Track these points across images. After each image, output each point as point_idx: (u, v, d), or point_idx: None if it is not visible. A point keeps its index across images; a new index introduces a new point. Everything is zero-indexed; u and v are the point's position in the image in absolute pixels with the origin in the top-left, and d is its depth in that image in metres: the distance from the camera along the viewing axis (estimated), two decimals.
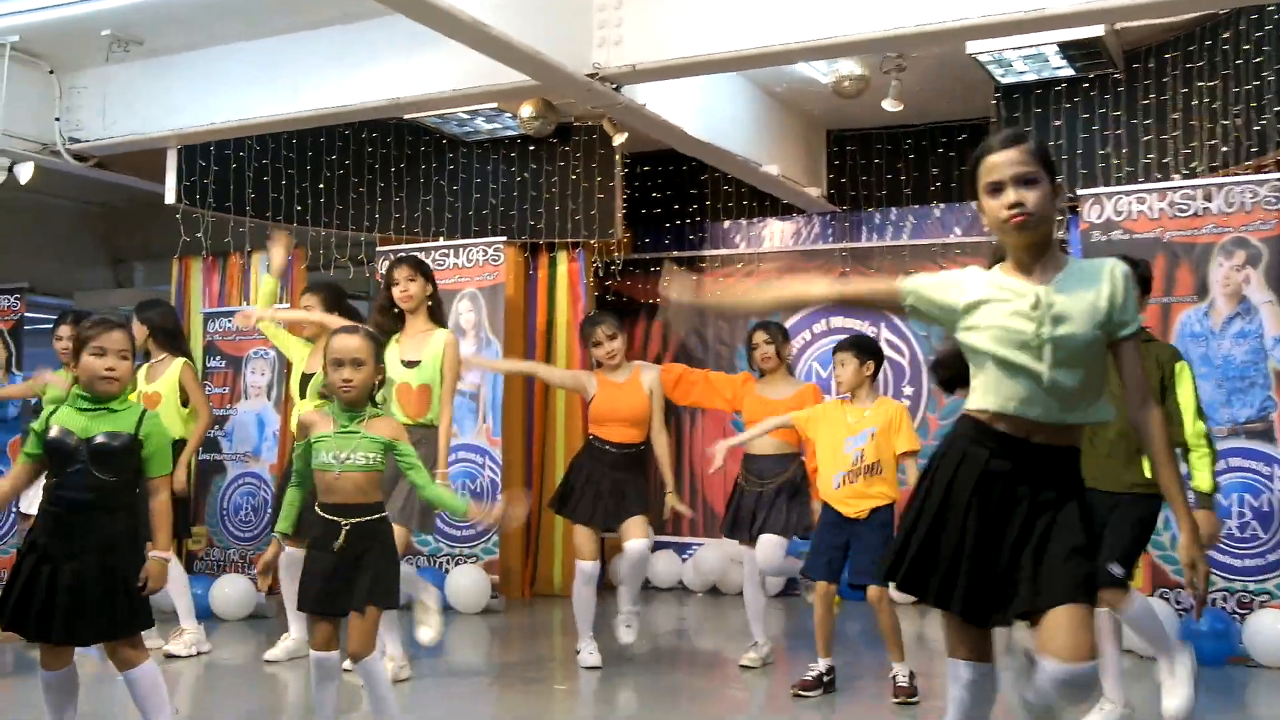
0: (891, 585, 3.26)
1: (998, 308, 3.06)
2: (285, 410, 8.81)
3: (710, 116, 8.00)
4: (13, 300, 8.24)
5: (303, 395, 6.42)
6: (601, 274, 9.73)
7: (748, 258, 9.99)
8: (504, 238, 8.93)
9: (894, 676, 5.59)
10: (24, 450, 4.11)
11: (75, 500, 3.96)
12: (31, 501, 7.16)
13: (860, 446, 5.60)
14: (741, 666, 6.39)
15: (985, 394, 3.08)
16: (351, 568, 4.09)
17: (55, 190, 10.75)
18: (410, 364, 5.83)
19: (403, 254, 6.20)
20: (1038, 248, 3.07)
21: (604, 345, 6.30)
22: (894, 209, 9.56)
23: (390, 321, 5.83)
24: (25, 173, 8.07)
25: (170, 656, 6.54)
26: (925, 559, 3.07)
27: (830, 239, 9.79)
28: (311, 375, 6.39)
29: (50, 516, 4.01)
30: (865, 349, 5.72)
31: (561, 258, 9.45)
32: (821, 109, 9.13)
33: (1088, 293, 3.02)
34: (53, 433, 4.00)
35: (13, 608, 3.95)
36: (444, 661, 6.53)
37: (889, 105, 8.17)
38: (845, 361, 5.68)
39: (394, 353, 5.88)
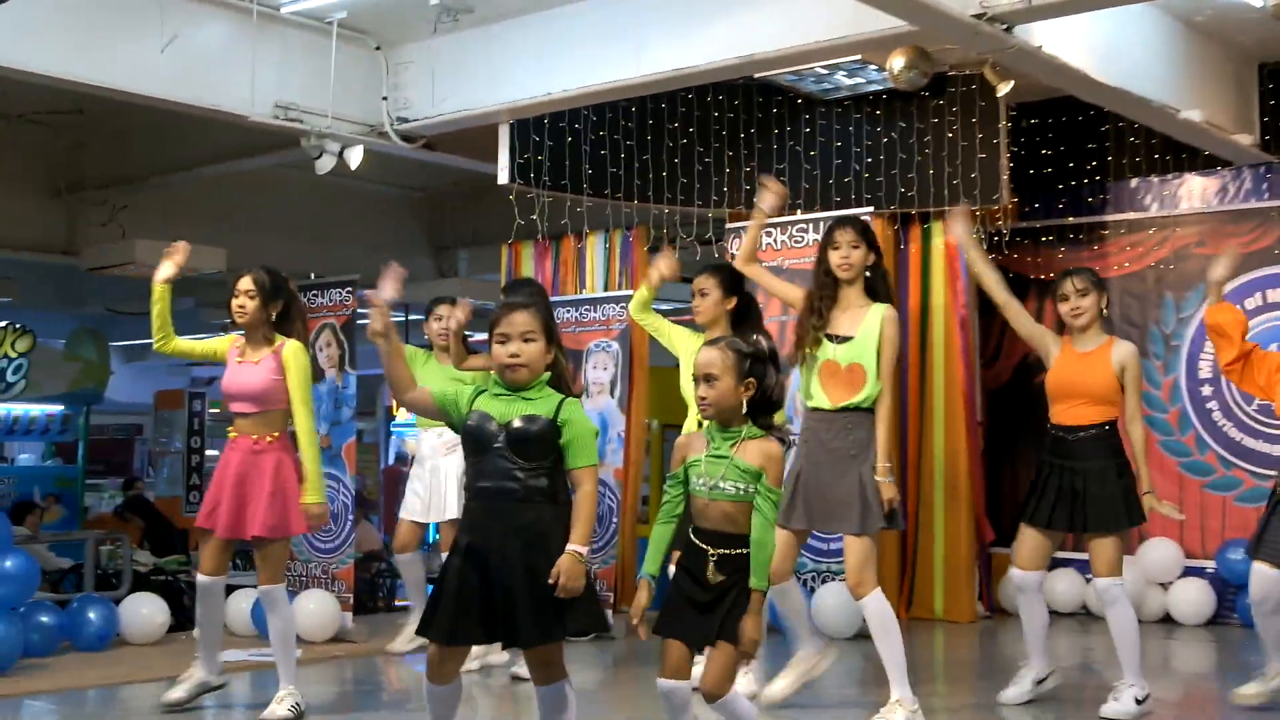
0: None
1: None
2: (631, 409, 9.02)
3: (1116, 56, 7.72)
4: (344, 294, 8.57)
5: None
6: (985, 246, 9.42)
7: (1160, 222, 9.64)
8: (870, 208, 8.86)
9: None
10: (433, 390, 4.33)
11: (494, 490, 4.13)
12: (428, 506, 7.62)
13: None
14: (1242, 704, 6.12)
15: None
16: (717, 600, 4.13)
17: (376, 176, 11.36)
18: (841, 339, 5.82)
19: (846, 216, 6.27)
20: None
21: (1070, 301, 6.14)
22: None
23: (829, 290, 5.84)
24: (355, 157, 8.58)
25: (516, 679, 6.79)
26: None
27: (1266, 195, 9.32)
28: None
29: (472, 512, 4.24)
30: None
31: (937, 230, 9.33)
32: (1254, 39, 8.73)
33: None
34: (472, 419, 4.19)
35: (452, 617, 4.15)
36: (811, 692, 6.47)
37: None
38: None
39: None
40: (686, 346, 6.53)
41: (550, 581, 4.01)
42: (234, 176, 11.20)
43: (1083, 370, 6.09)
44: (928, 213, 9.29)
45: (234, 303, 5.97)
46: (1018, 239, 9.82)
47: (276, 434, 5.93)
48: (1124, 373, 6.06)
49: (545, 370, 4.23)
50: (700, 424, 6.27)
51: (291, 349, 5.94)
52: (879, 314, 5.76)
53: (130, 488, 14.95)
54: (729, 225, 9.14)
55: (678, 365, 6.52)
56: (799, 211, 9.20)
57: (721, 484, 4.12)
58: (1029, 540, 6.19)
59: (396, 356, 4.37)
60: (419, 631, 4.27)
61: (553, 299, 9.40)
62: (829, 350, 5.83)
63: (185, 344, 6.12)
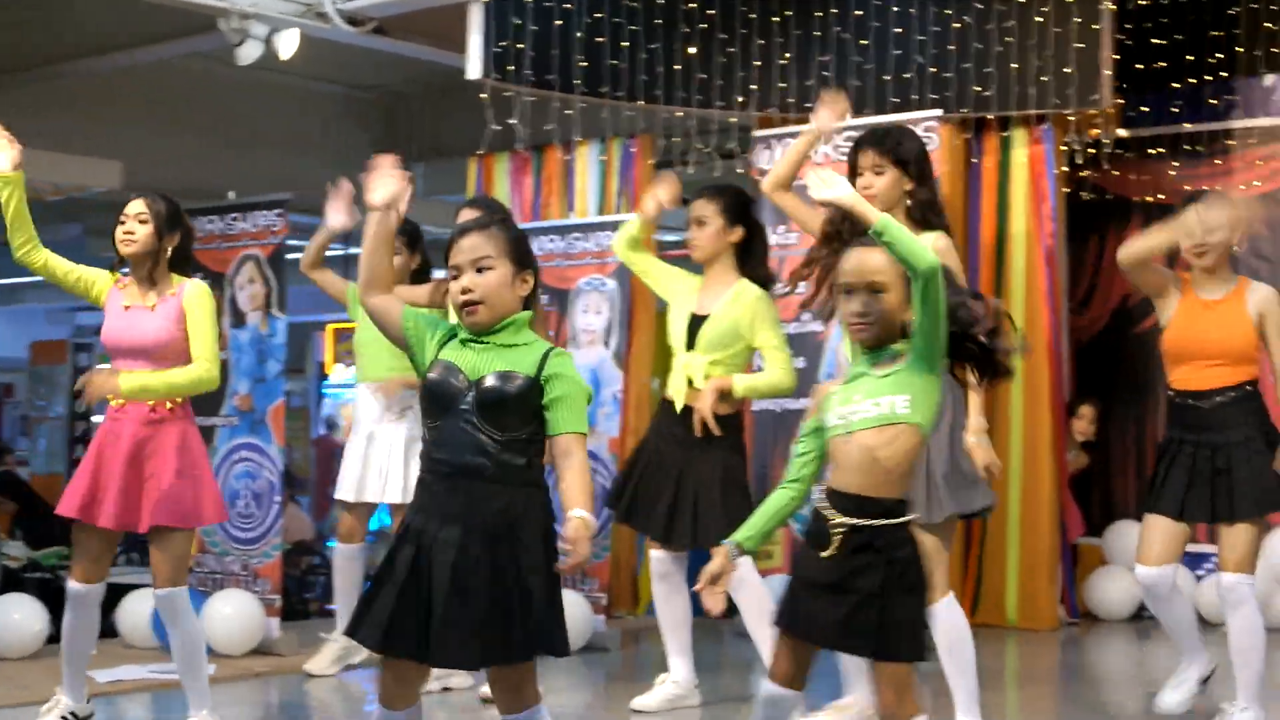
0: None
1: None
2: (630, 363, 8.96)
3: None
4: (272, 217, 8.32)
5: (691, 345, 6.39)
6: (1078, 160, 9.48)
7: None
8: (937, 112, 8.73)
9: None
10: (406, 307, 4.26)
11: (457, 465, 4.04)
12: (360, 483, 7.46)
13: None
14: None
15: None
16: (844, 589, 3.97)
17: (313, 70, 11.34)
18: None
19: (875, 130, 6.07)
20: None
21: (1195, 235, 5.98)
22: None
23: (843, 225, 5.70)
24: (288, 45, 8.50)
25: (486, 700, 6.65)
26: None
27: None
28: (705, 317, 6.36)
29: (425, 489, 4.13)
30: None
31: (1019, 139, 9.23)
32: None
33: None
34: (435, 372, 4.10)
35: (389, 620, 4.05)
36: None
37: None
38: None
39: None
40: (680, 288, 6.57)
41: (564, 546, 3.93)
42: (133, 70, 11.10)
43: (1212, 323, 5.99)
44: (1008, 118, 9.18)
45: (120, 230, 5.88)
46: (1120, 151, 9.74)
47: (179, 399, 5.84)
48: (1264, 321, 5.95)
49: (524, 308, 4.15)
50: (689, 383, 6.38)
51: (194, 289, 5.85)
52: (927, 243, 5.58)
53: None
54: (757, 133, 9.04)
55: None
56: (847, 116, 8.94)
57: (860, 406, 3.98)
58: (1159, 531, 6.08)
59: (387, 241, 4.21)
60: (348, 631, 4.16)
61: (533, 225, 9.30)
62: None
63: (57, 262, 5.95)
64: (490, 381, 4.03)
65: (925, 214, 5.68)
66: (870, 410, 3.96)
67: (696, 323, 6.40)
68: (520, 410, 4.03)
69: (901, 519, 4.00)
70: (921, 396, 3.96)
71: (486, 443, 4.02)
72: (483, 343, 4.09)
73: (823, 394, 4.16)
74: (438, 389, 4.07)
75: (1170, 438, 6.13)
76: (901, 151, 5.72)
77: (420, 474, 4.20)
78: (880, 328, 4.01)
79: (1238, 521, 5.94)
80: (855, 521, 3.95)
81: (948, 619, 5.53)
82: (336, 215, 6.17)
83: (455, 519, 4.03)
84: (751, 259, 6.45)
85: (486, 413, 4.01)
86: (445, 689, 6.95)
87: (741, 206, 6.40)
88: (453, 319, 4.22)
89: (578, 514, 3.96)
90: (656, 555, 6.62)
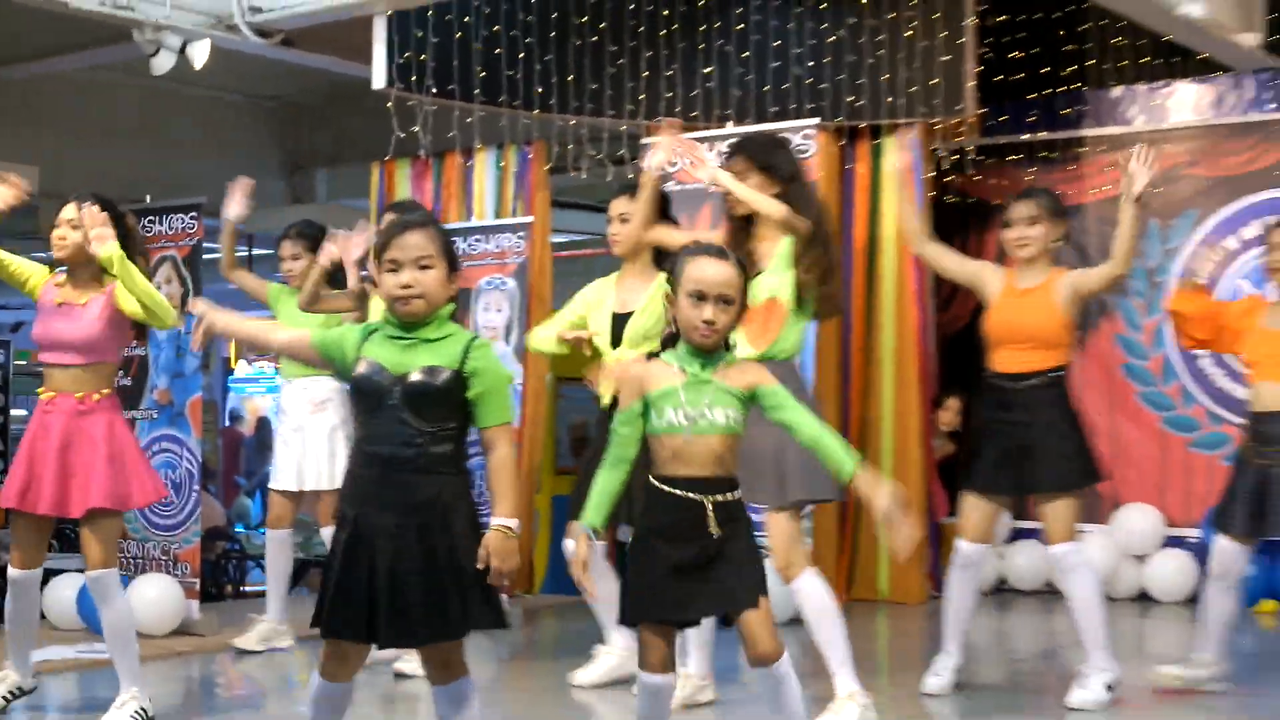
0: None
1: None
2: (529, 357, 8.99)
3: None
4: (188, 220, 8.33)
5: (616, 343, 6.34)
6: (943, 166, 9.62)
7: (1146, 137, 9.48)
8: (814, 120, 8.86)
9: None
10: (312, 334, 4.36)
11: (388, 457, 4.08)
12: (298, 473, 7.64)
13: None
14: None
15: None
16: (716, 560, 4.14)
17: (219, 80, 11.25)
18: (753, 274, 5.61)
19: (740, 140, 6.15)
20: None
21: (1015, 229, 6.22)
22: None
23: (742, 231, 5.85)
24: (201, 55, 8.48)
25: (400, 676, 6.77)
26: None
27: (1269, 107, 9.49)
28: (628, 315, 6.31)
29: (358, 481, 4.18)
30: None
31: (889, 145, 9.35)
32: None
33: None
34: (361, 369, 4.13)
35: (332, 606, 4.14)
36: (739, 686, 6.51)
37: None
38: None
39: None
40: (595, 299, 6.51)
41: (480, 567, 4.01)
42: (49, 78, 11.00)
43: (1025, 309, 6.17)
44: (879, 126, 9.31)
45: (54, 233, 5.89)
46: (982, 157, 9.91)
47: (106, 390, 5.86)
48: (1078, 290, 6.14)
49: (449, 303, 4.18)
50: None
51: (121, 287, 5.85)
52: (787, 240, 5.75)
53: None
54: (645, 140, 9.01)
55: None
56: (730, 124, 9.17)
57: (709, 413, 4.14)
58: (975, 508, 6.29)
59: (241, 331, 4.55)
60: (314, 623, 4.24)
61: None
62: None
63: None
64: (416, 377, 4.07)
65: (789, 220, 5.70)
66: (720, 419, 4.12)
67: (620, 321, 6.35)
68: (447, 402, 4.08)
69: (738, 489, 4.21)
70: (747, 413, 4.21)
71: (416, 435, 4.06)
72: (408, 338, 4.13)
73: (640, 384, 4.21)
74: (365, 386, 4.12)
75: (985, 417, 6.34)
76: (766, 159, 5.79)
77: (351, 466, 4.26)
78: (721, 336, 4.17)
79: (1039, 494, 6.13)
80: (721, 498, 4.14)
81: (811, 592, 5.61)
82: (234, 207, 6.49)
83: (389, 507, 4.06)
84: (670, 254, 6.05)
85: (414, 407, 4.06)
86: (399, 675, 6.76)
87: (662, 203, 6.33)
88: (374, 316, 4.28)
89: (498, 524, 4.04)
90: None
